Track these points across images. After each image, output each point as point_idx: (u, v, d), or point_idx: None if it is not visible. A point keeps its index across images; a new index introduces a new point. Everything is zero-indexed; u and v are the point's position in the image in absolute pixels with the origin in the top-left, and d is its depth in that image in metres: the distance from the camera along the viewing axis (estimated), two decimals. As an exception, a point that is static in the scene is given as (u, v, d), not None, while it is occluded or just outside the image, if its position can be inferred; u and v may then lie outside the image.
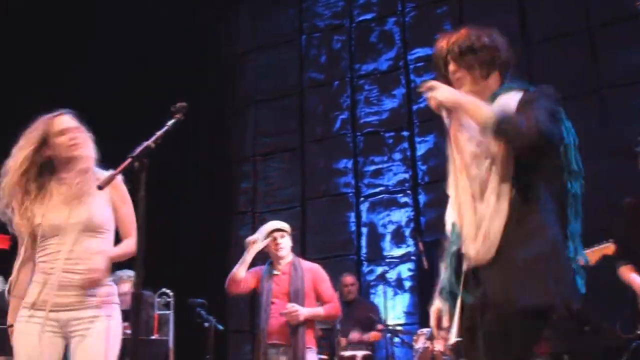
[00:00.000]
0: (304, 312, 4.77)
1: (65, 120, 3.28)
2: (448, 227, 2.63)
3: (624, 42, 7.12)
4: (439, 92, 2.46)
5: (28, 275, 3.25)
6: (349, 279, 7.31)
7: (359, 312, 7.05)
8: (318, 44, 9.32)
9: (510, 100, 2.44)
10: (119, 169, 2.59)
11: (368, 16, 9.04)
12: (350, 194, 8.61)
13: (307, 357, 4.81)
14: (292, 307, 4.74)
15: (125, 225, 3.32)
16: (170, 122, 2.73)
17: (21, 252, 3.26)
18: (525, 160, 2.36)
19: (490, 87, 2.55)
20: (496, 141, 2.36)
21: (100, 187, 2.68)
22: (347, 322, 6.85)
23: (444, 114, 2.51)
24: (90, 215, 3.20)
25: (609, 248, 4.24)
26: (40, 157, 3.24)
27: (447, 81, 2.60)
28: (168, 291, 6.19)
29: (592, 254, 4.11)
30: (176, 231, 8.53)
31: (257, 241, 4.91)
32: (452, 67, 2.58)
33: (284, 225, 5.07)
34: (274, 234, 5.00)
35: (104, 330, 3.13)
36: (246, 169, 9.38)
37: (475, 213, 2.41)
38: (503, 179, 2.38)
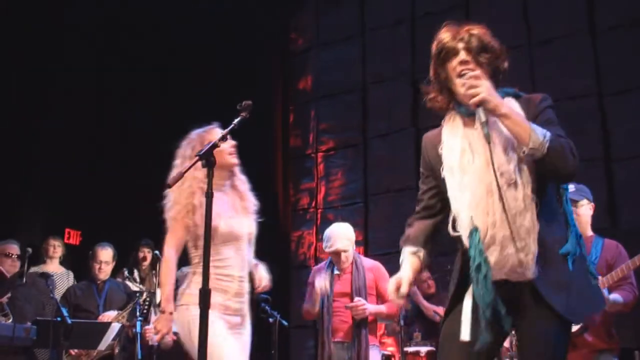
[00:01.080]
0: (370, 308, 4.79)
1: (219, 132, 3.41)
2: (464, 234, 2.48)
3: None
4: (484, 88, 2.38)
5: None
6: (424, 274, 7.23)
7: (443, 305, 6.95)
8: (381, 39, 9.26)
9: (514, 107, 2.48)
10: (188, 167, 2.65)
11: (432, 9, 8.92)
12: (414, 190, 8.54)
13: (371, 354, 4.85)
14: (359, 300, 4.76)
15: None
16: (236, 120, 2.78)
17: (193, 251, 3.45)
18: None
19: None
20: (537, 160, 2.36)
21: (169, 185, 2.76)
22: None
23: (480, 112, 2.40)
24: (254, 226, 3.55)
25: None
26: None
27: (445, 72, 2.55)
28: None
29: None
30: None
31: (323, 290, 4.95)
32: (464, 57, 2.50)
33: (345, 245, 5.03)
34: (336, 257, 5.02)
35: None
36: (308, 165, 9.42)
37: (510, 222, 2.36)
38: (533, 189, 2.39)
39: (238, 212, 3.53)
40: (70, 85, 8.32)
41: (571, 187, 4.26)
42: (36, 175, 8.20)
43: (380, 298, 4.99)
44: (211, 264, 3.16)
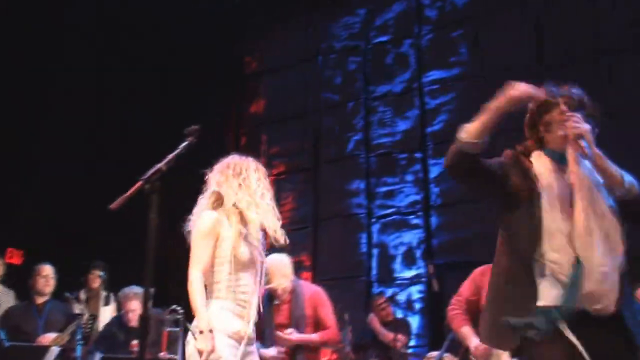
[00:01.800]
0: (293, 337, 4.71)
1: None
2: (565, 265, 2.58)
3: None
4: (584, 125, 2.60)
5: None
6: (380, 299, 7.19)
7: (403, 331, 6.85)
8: (334, 64, 9.37)
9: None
10: (130, 191, 2.62)
11: (384, 38, 9.08)
12: (362, 215, 8.61)
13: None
14: (287, 331, 4.70)
15: None
16: (182, 145, 2.76)
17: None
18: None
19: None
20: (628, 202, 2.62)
21: (113, 209, 2.71)
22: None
23: (575, 144, 2.61)
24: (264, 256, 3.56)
25: None
26: None
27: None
28: (178, 308, 6.18)
29: None
30: (186, 250, 8.50)
31: None
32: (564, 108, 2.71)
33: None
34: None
35: None
36: (259, 188, 9.37)
37: (612, 257, 2.57)
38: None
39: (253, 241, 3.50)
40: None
41: None
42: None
43: (321, 325, 4.92)
44: (231, 289, 3.35)
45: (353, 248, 8.53)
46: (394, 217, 8.47)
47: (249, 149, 9.62)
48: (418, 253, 8.18)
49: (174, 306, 6.07)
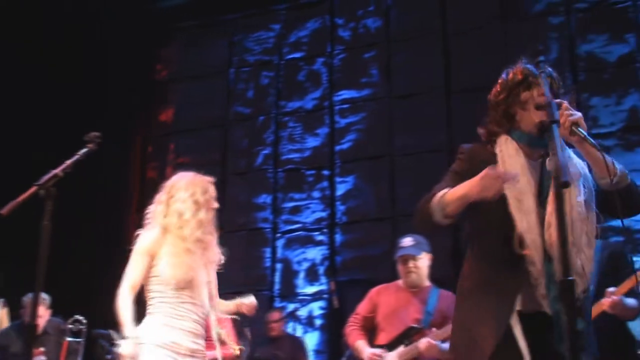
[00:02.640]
0: None
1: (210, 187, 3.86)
2: (538, 257, 2.42)
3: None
4: (576, 114, 2.43)
5: None
6: (273, 315, 7.21)
7: (284, 348, 6.92)
8: (246, 78, 9.37)
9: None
10: (23, 196, 2.54)
11: (297, 55, 9.16)
12: (268, 230, 8.61)
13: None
14: None
15: None
16: (81, 152, 2.70)
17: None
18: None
19: None
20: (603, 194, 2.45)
21: (3, 214, 2.61)
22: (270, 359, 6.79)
23: (569, 136, 2.42)
24: (214, 275, 3.74)
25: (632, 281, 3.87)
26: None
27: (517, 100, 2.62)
28: (81, 318, 6.02)
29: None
30: (92, 259, 8.27)
31: None
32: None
33: None
34: None
35: None
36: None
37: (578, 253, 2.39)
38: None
39: (200, 262, 3.62)
40: None
41: (408, 240, 4.42)
42: None
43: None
44: (167, 304, 3.48)
45: (257, 262, 8.51)
46: (299, 232, 8.51)
47: (156, 158, 9.49)
48: (321, 269, 8.23)
49: (76, 316, 5.93)
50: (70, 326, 5.90)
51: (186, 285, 3.50)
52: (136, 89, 9.47)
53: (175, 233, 3.60)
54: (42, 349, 5.45)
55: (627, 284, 3.74)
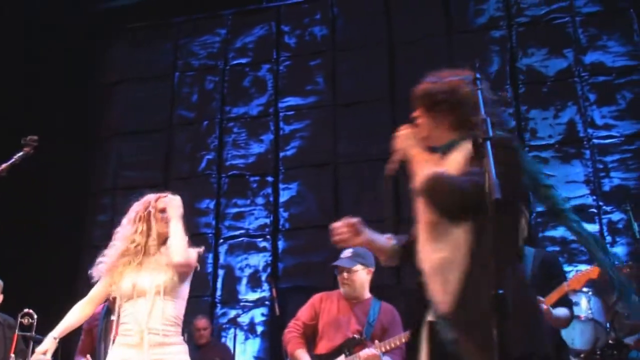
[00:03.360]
0: None
1: (165, 202, 3.82)
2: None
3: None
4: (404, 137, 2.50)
5: None
6: (201, 322, 7.17)
7: (211, 356, 6.91)
8: (191, 82, 9.30)
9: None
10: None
11: (243, 60, 9.15)
12: (210, 235, 8.56)
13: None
14: None
15: None
16: (18, 155, 2.66)
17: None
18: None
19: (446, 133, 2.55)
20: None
21: None
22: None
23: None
24: (164, 278, 3.71)
25: (593, 272, 3.99)
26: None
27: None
28: (31, 312, 5.98)
29: (577, 280, 3.97)
30: (33, 261, 8.09)
31: None
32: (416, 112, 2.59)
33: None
34: None
35: None
36: (105, 201, 9.11)
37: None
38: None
39: (147, 268, 3.68)
40: None
41: (348, 251, 4.45)
42: None
43: None
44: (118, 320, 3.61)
45: (199, 267, 8.42)
46: (242, 239, 8.48)
47: (99, 161, 9.34)
48: (263, 276, 8.21)
49: (26, 310, 5.89)
50: (20, 320, 5.87)
51: (131, 296, 3.63)
52: (80, 91, 9.31)
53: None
54: None
55: (557, 293, 3.83)
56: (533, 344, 2.24)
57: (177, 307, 3.69)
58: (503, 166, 2.09)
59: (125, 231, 3.77)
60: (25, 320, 5.86)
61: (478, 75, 2.38)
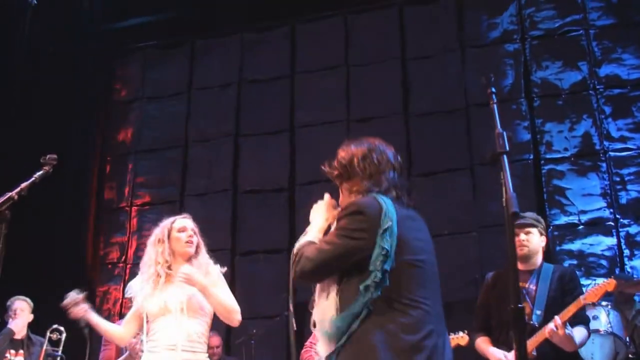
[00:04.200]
0: None
1: (184, 222, 4.00)
2: None
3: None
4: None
5: None
6: (213, 340, 7.12)
7: None
8: (208, 99, 9.33)
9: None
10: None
11: (258, 76, 9.16)
12: (226, 251, 8.56)
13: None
14: None
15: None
16: (37, 174, 2.69)
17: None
18: None
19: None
20: None
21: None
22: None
23: None
24: (187, 293, 3.77)
25: (609, 284, 4.01)
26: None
27: None
28: (61, 328, 6.08)
29: (594, 293, 3.95)
30: (45, 276, 8.14)
31: None
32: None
33: None
34: None
35: None
36: (122, 218, 9.16)
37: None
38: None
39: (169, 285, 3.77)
40: None
41: None
42: None
43: None
44: (146, 340, 3.72)
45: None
46: (258, 254, 8.48)
47: (114, 178, 9.39)
48: (280, 291, 8.18)
49: (55, 325, 5.98)
50: (49, 335, 6.02)
51: (158, 315, 3.74)
52: (95, 108, 9.40)
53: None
54: (21, 351, 5.60)
55: (574, 307, 3.80)
56: None
57: (201, 324, 3.76)
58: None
59: (149, 256, 3.88)
60: (54, 336, 5.99)
61: (493, 90, 2.42)
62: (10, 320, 5.85)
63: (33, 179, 2.64)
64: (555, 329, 3.60)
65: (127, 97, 9.71)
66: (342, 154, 2.85)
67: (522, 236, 4.04)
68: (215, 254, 8.46)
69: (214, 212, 8.74)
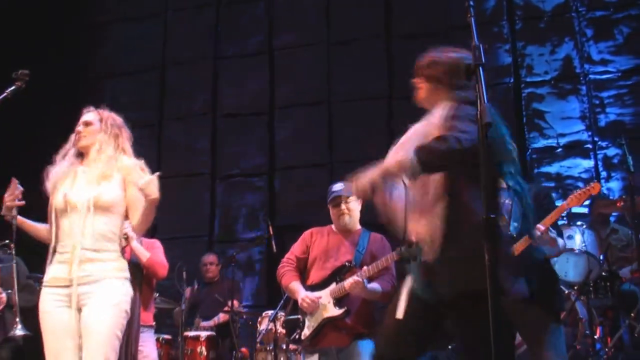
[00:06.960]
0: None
1: (83, 115, 3.77)
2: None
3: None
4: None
5: None
6: (208, 257, 7.16)
7: (221, 291, 6.83)
8: (185, 20, 9.14)
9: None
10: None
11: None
12: (207, 175, 8.56)
13: (145, 337, 4.85)
14: None
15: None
16: (9, 89, 2.64)
17: None
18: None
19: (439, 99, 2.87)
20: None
21: None
22: (206, 302, 6.81)
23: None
24: (101, 191, 3.43)
25: (594, 188, 4.06)
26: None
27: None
28: (8, 242, 5.97)
29: (578, 197, 4.02)
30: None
31: None
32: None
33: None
34: None
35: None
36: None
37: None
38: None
39: (84, 181, 3.46)
40: None
41: (339, 184, 4.46)
42: None
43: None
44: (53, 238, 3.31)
45: (196, 208, 8.46)
46: (238, 178, 8.49)
47: (91, 100, 9.23)
48: (260, 215, 8.24)
49: (6, 241, 5.90)
50: None
51: (65, 210, 3.40)
52: (71, 30, 9.17)
53: None
54: None
55: (556, 212, 3.90)
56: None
57: (111, 223, 3.43)
58: None
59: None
60: (2, 251, 5.86)
61: (472, 3, 2.41)
62: None
63: (5, 94, 2.59)
64: (539, 233, 3.71)
65: (104, 19, 9.45)
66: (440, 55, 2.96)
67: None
68: (196, 177, 8.58)
69: (193, 136, 8.71)
